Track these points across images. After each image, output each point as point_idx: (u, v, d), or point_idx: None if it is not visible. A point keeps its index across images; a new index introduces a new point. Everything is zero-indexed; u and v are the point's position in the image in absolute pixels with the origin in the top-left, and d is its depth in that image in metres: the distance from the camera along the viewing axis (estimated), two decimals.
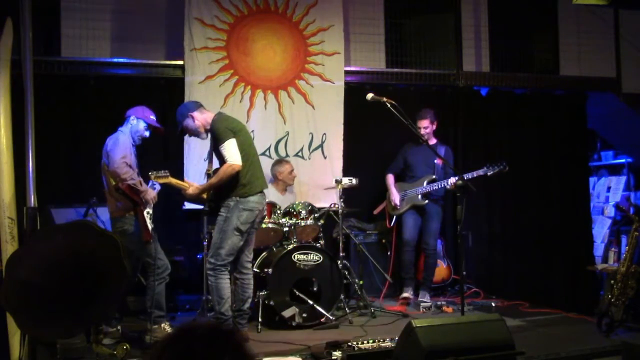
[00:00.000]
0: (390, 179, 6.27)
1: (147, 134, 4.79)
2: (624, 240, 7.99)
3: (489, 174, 5.68)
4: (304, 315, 5.04)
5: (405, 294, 6.06)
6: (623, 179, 8.95)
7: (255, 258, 5.12)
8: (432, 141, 6.13)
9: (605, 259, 8.13)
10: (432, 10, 7.30)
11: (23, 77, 3.94)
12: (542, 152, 7.41)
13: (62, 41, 6.02)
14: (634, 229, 4.74)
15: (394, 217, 6.22)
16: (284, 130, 6.41)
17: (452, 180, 5.74)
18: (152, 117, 4.80)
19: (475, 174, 5.65)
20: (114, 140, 4.58)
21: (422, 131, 5.91)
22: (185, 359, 1.44)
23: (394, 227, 6.31)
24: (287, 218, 5.53)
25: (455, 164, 6.26)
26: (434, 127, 6.11)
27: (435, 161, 6.05)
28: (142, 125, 4.73)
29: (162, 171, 4.64)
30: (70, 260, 3.27)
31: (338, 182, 5.62)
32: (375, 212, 6.44)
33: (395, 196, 6.14)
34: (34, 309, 3.26)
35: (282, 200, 5.85)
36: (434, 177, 6.02)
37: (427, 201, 6.02)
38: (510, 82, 7.29)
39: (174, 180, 4.71)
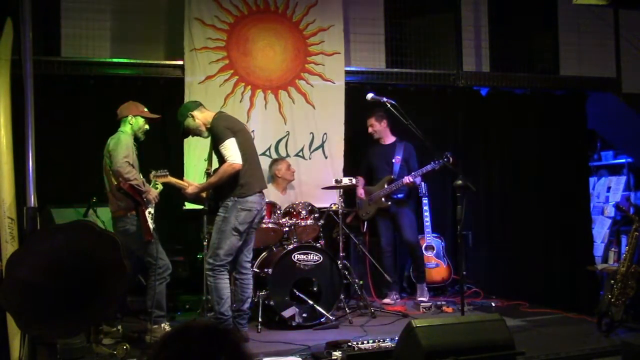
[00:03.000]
0: (359, 181, 6.21)
1: (147, 127, 4.83)
2: (624, 240, 7.99)
3: (436, 168, 5.71)
4: (304, 315, 5.04)
5: (385, 299, 6.07)
6: (623, 179, 8.95)
7: (255, 258, 5.12)
8: (390, 140, 6.16)
9: (605, 259, 8.13)
10: (432, 10, 7.29)
11: (23, 77, 3.93)
12: (542, 152, 7.40)
13: (62, 41, 6.03)
14: (634, 229, 4.73)
15: (365, 222, 6.24)
16: (284, 130, 6.40)
17: (406, 179, 5.85)
18: (145, 109, 4.84)
19: (424, 170, 5.78)
20: (115, 140, 4.60)
21: (370, 130, 6.10)
22: (182, 358, 1.44)
23: (367, 232, 6.31)
24: (287, 218, 5.53)
25: (454, 162, 6.25)
26: (384, 125, 6.12)
27: (393, 160, 6.08)
28: (141, 120, 4.77)
29: (162, 170, 4.68)
30: (70, 260, 3.28)
31: (338, 182, 5.62)
32: (348, 220, 6.25)
33: (360, 191, 6.19)
34: (34, 309, 3.26)
35: (282, 200, 5.85)
36: (392, 177, 6.04)
37: (389, 203, 6.03)
38: (510, 82, 7.28)
39: (173, 179, 4.73)
